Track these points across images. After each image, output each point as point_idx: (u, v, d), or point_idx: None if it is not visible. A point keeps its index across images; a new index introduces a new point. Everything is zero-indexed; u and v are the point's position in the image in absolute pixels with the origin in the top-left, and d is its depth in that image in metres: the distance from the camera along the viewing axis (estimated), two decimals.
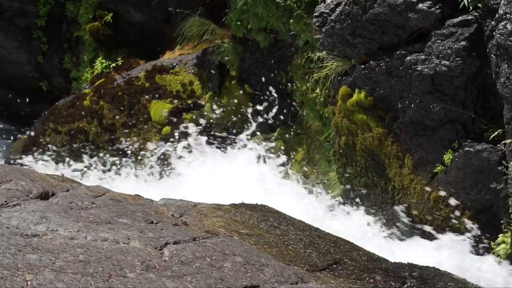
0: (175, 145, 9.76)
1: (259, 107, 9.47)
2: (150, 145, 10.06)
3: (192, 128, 9.82)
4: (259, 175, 8.46)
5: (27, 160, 10.59)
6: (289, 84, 8.90)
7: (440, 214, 6.22)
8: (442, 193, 6.16)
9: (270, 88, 9.32)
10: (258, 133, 9.35)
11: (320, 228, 5.98)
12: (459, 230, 6.12)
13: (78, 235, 4.45)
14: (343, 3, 6.62)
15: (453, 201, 6.09)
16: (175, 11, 10.29)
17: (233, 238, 5.06)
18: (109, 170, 10.12)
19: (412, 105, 6.23)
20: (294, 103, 8.91)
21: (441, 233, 6.24)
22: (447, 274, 5.27)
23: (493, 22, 5.51)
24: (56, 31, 12.77)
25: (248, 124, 9.49)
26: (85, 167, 10.32)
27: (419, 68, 6.10)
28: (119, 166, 10.06)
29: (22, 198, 5.15)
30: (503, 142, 5.56)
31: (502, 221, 5.75)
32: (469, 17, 5.90)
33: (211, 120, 9.87)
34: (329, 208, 7.45)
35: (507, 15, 5.34)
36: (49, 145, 10.71)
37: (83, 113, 10.71)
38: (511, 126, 5.46)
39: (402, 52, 6.24)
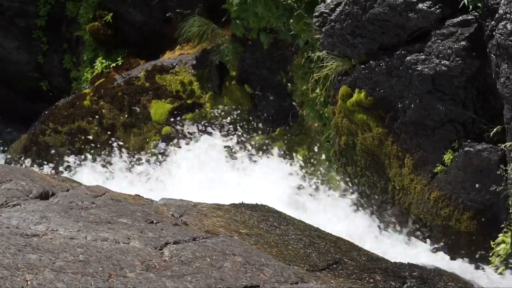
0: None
1: (259, 107, 9.46)
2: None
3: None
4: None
5: (27, 159, 10.60)
6: (289, 84, 8.89)
7: (440, 214, 6.23)
8: (442, 193, 6.16)
9: (270, 88, 9.32)
10: (258, 133, 9.35)
11: (320, 228, 5.98)
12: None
13: (78, 235, 4.45)
14: (343, 3, 6.62)
15: (453, 201, 6.10)
16: (174, 14, 10.28)
17: (233, 238, 5.06)
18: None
19: (412, 105, 6.23)
20: (294, 103, 8.90)
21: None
22: (447, 274, 5.27)
23: (493, 22, 5.51)
24: (56, 31, 12.77)
25: (248, 124, 9.49)
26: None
27: (419, 68, 6.10)
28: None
29: (22, 198, 5.15)
30: (504, 145, 5.55)
31: (502, 221, 5.75)
32: (469, 17, 5.90)
33: (211, 120, 9.87)
34: None
35: (507, 15, 5.34)
36: (49, 145, 10.71)
37: (83, 113, 10.71)
38: (511, 126, 5.46)
39: (402, 52, 6.24)
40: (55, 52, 12.93)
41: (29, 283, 3.72)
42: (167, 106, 10.24)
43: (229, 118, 9.61)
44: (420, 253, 6.26)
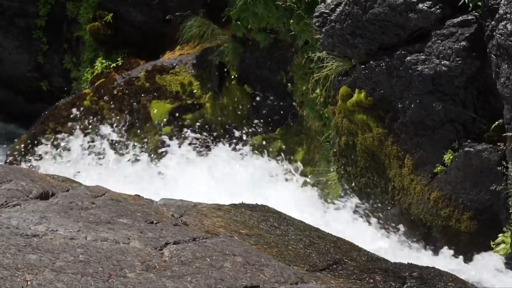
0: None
1: (259, 107, 9.46)
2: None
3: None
4: None
5: (27, 159, 10.60)
6: (289, 84, 8.89)
7: (440, 214, 6.22)
8: (442, 193, 6.16)
9: (270, 88, 9.32)
10: (258, 133, 9.35)
11: (320, 228, 5.98)
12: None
13: (78, 235, 4.46)
14: (343, 3, 6.62)
15: (453, 201, 6.10)
16: (173, 17, 10.28)
17: (233, 238, 5.06)
18: None
19: (412, 105, 6.23)
20: (294, 103, 8.91)
21: None
22: (447, 274, 5.27)
23: (493, 22, 5.51)
24: (56, 31, 12.77)
25: (248, 124, 9.49)
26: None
27: (419, 68, 6.10)
28: None
29: (22, 198, 5.15)
30: (504, 134, 5.54)
31: (502, 221, 5.75)
32: (469, 17, 5.90)
33: (211, 120, 9.87)
34: None
35: (507, 15, 5.34)
36: (49, 145, 10.71)
37: (83, 113, 10.71)
38: (511, 126, 5.46)
39: (402, 52, 6.24)
40: (55, 52, 12.93)
41: (29, 283, 3.73)
42: (167, 106, 10.25)
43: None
44: (420, 254, 6.26)
